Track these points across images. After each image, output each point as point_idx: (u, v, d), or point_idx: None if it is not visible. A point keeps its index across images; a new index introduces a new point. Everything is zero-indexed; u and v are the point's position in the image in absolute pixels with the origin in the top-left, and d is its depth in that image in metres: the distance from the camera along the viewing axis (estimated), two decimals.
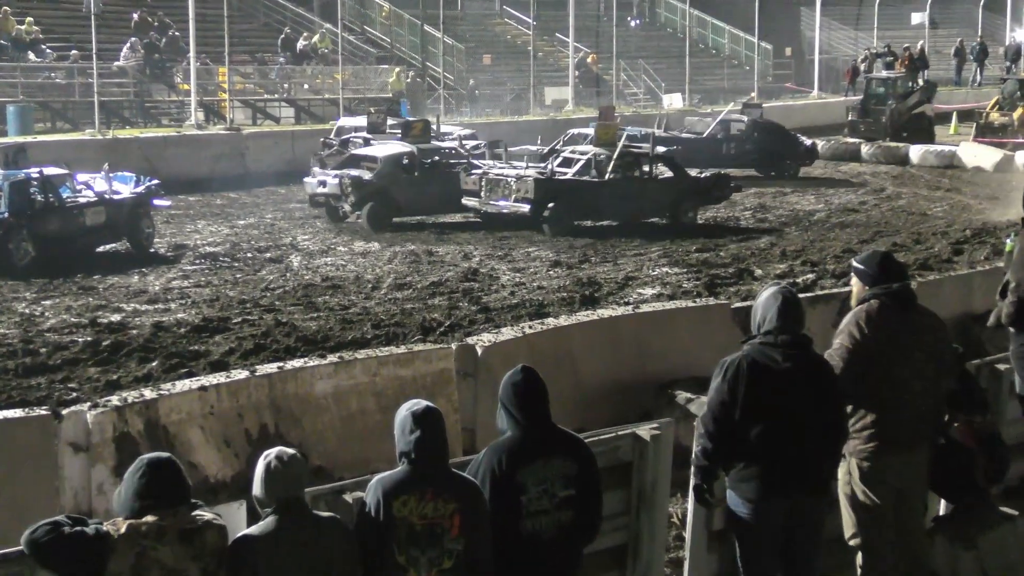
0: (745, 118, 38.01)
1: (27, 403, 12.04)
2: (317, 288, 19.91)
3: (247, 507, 5.88)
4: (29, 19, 43.24)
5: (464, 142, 31.74)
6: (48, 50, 43.11)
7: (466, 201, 26.66)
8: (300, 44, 50.11)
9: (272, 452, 5.65)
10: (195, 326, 16.72)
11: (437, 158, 28.20)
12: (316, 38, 50.94)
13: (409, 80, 49.57)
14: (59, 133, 38.62)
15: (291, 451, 5.71)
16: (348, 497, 5.97)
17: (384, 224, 26.44)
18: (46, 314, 17.82)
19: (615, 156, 26.76)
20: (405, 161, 27.59)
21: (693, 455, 6.95)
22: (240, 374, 9.31)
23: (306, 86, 48.88)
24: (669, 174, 27.80)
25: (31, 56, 42.43)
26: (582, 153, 27.69)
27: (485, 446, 6.31)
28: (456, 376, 10.08)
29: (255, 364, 11.56)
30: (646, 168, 27.55)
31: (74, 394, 13.09)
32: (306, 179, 28.28)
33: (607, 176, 26.57)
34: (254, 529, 5.53)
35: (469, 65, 54.92)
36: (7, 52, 41.98)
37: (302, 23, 52.72)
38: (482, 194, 26.28)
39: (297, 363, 9.88)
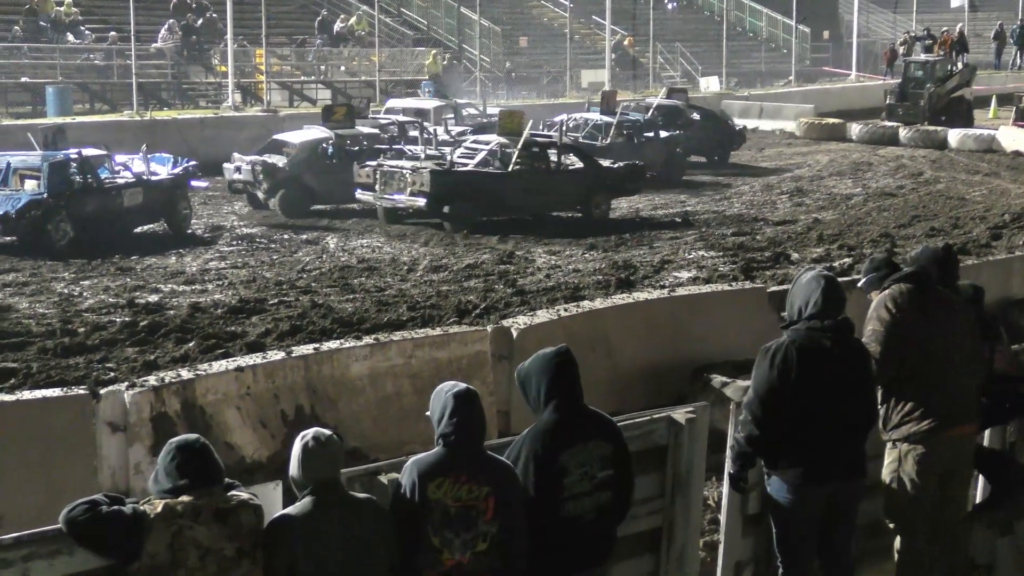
0: (680, 103, 37.55)
1: (65, 383, 12.11)
2: (353, 270, 19.95)
3: (283, 488, 5.90)
4: (68, 0, 43.40)
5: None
6: (87, 31, 43.29)
7: (360, 195, 24.94)
8: (337, 26, 50.14)
9: (309, 433, 5.67)
10: (232, 307, 16.77)
11: (358, 147, 27.33)
12: (353, 20, 50.97)
13: (445, 62, 49.55)
14: (98, 114, 38.77)
15: (328, 432, 5.72)
16: (383, 479, 5.97)
17: (298, 211, 25.69)
18: (84, 294, 17.92)
19: (519, 146, 25.08)
20: (322, 147, 27.05)
21: (734, 440, 6.92)
22: (276, 355, 9.34)
23: (342, 68, 48.92)
24: (579, 165, 26.24)
25: (70, 38, 42.61)
26: (484, 143, 26.09)
27: (520, 428, 6.31)
28: (491, 358, 10.08)
29: (291, 345, 11.59)
30: (554, 159, 25.93)
31: (112, 374, 13.15)
32: (225, 164, 27.07)
33: (511, 168, 24.97)
34: (291, 510, 5.54)
35: (506, 48, 54.84)
36: (46, 34, 42.18)
37: (339, 5, 52.75)
38: (377, 187, 24.50)
39: (333, 345, 9.90)
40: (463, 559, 5.73)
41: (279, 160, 26.36)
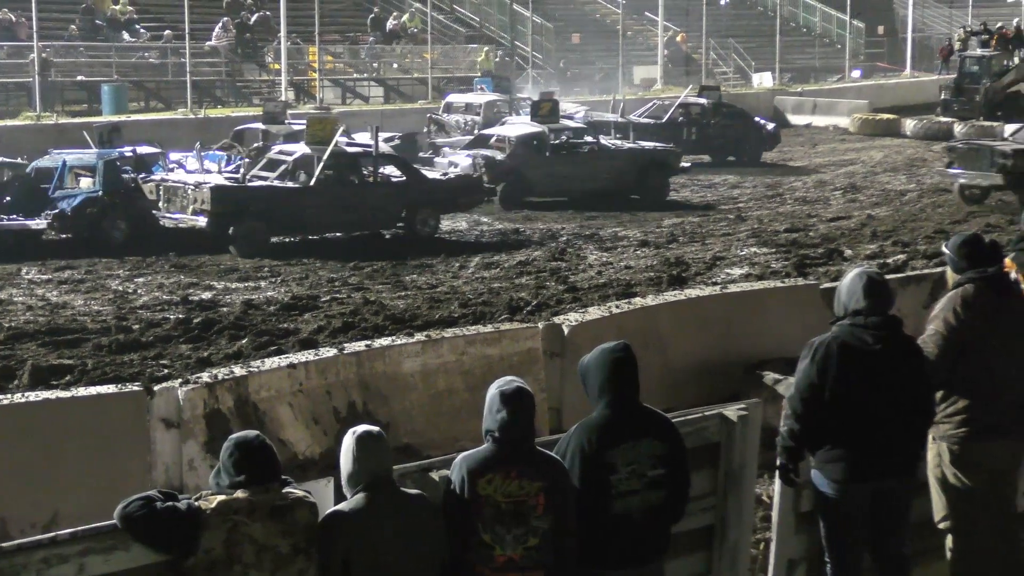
0: (704, 101, 37.24)
1: (120, 379, 12.20)
2: (406, 267, 20.00)
3: (335, 484, 5.93)
4: None
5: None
6: (142, 30, 43.63)
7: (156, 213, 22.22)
8: (390, 23, 50.29)
9: (360, 429, 5.69)
10: (284, 304, 16.87)
11: (565, 137, 28.24)
12: (406, 17, 51.10)
13: (498, 59, 49.57)
14: (152, 112, 39.08)
15: (376, 429, 5.74)
16: (435, 475, 5.99)
17: (516, 203, 26.59)
18: (139, 291, 18.07)
19: (324, 157, 22.18)
20: (537, 141, 27.75)
21: (779, 435, 6.91)
22: (328, 352, 9.35)
23: (395, 65, 49.06)
24: (402, 178, 23.58)
25: (125, 36, 42.97)
26: (288, 154, 23.13)
27: (571, 425, 6.30)
28: (543, 355, 10.07)
29: (343, 342, 11.63)
30: (369, 171, 23.26)
31: (166, 371, 13.26)
32: (436, 159, 28.08)
33: (313, 181, 22.14)
34: (344, 506, 5.57)
35: (558, 44, 54.81)
36: (102, 32, 42.55)
37: (392, 2, 52.92)
38: (160, 204, 22.01)
39: (385, 341, 9.90)
40: (514, 555, 5.73)
41: (498, 154, 27.10)
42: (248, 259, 20.59)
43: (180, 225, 21.56)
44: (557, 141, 28.13)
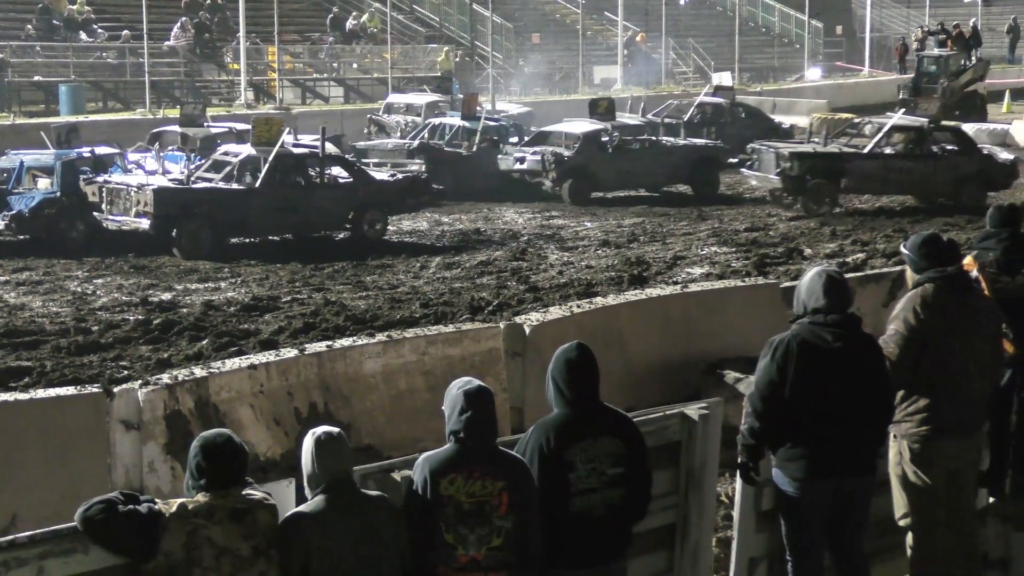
0: (722, 101, 37.61)
1: (80, 381, 12.15)
2: (366, 267, 19.97)
3: (296, 485, 5.91)
4: None
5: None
6: (100, 30, 43.41)
7: (98, 216, 21.92)
8: (349, 23, 50.22)
9: (319, 430, 5.67)
10: (245, 305, 16.81)
11: (619, 135, 29.41)
12: (365, 17, 51.04)
13: (458, 59, 49.57)
14: (110, 112, 38.90)
15: (336, 430, 5.73)
16: (396, 476, 5.98)
17: (584, 198, 27.64)
18: (98, 293, 17.98)
19: (270, 158, 21.94)
20: (601, 138, 28.89)
21: (740, 434, 6.94)
22: (289, 353, 9.33)
23: (355, 65, 48.99)
24: (349, 179, 23.37)
25: (83, 36, 42.73)
26: (234, 155, 22.91)
27: (533, 425, 6.31)
28: (504, 355, 10.08)
29: (304, 343, 11.61)
30: (315, 172, 22.98)
31: (125, 372, 13.21)
32: (499, 156, 29.04)
33: (257, 183, 21.90)
34: (305, 507, 5.55)
35: (518, 44, 54.85)
36: (59, 32, 42.32)
37: (351, 2, 52.85)
38: (103, 206, 21.67)
39: (346, 342, 9.90)
40: (477, 555, 5.74)
41: (565, 151, 28.07)
42: (193, 261, 20.43)
43: (123, 227, 21.34)
44: (613, 138, 29.28)
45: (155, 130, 28.87)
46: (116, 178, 22.28)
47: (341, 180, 23.30)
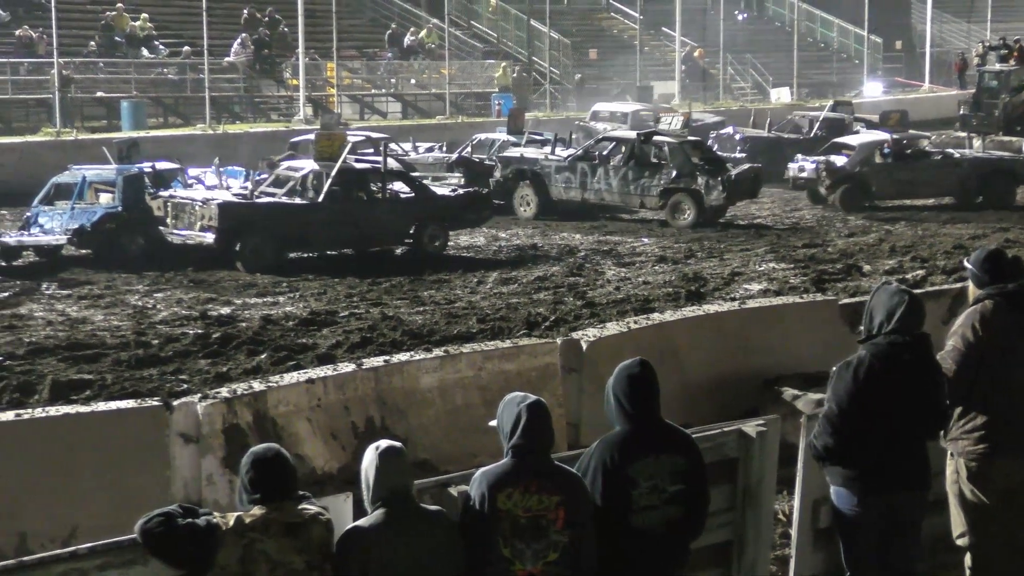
0: (844, 116, 37.73)
1: (139, 394, 12.24)
2: (423, 282, 20.02)
3: (354, 499, 5.93)
4: (144, 16, 43.94)
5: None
6: (161, 46, 43.81)
7: (162, 230, 22.03)
8: (407, 39, 50.39)
9: (382, 444, 5.68)
10: (303, 319, 16.88)
11: (912, 148, 30.08)
12: (423, 33, 51.22)
13: (515, 75, 49.64)
14: (171, 128, 39.22)
15: (398, 444, 5.74)
16: (453, 490, 5.99)
17: (856, 206, 28.34)
18: (158, 307, 18.11)
19: (332, 173, 22.19)
20: (880, 149, 29.51)
21: (813, 450, 6.85)
22: (347, 367, 9.37)
23: (412, 81, 49.15)
24: (410, 194, 23.42)
25: (145, 53, 43.14)
26: (296, 171, 23.25)
27: (589, 441, 6.30)
28: (561, 371, 10.07)
29: (361, 357, 11.64)
30: (377, 187, 23.20)
31: (185, 386, 13.28)
32: (789, 164, 30.45)
33: (320, 198, 22.14)
34: (363, 522, 5.57)
35: (575, 60, 54.85)
36: (121, 48, 42.73)
37: (409, 18, 53.02)
38: (168, 221, 21.80)
39: (403, 357, 9.92)
40: (534, 569, 5.72)
41: (840, 159, 29.03)
42: (254, 274, 20.59)
43: (188, 242, 21.54)
44: (896, 150, 29.75)
45: (293, 139, 29.95)
46: (181, 193, 22.45)
47: (402, 195, 23.39)
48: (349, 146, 23.51)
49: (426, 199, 23.41)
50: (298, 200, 22.31)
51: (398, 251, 23.35)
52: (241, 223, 21.40)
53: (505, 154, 29.47)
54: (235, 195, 22.49)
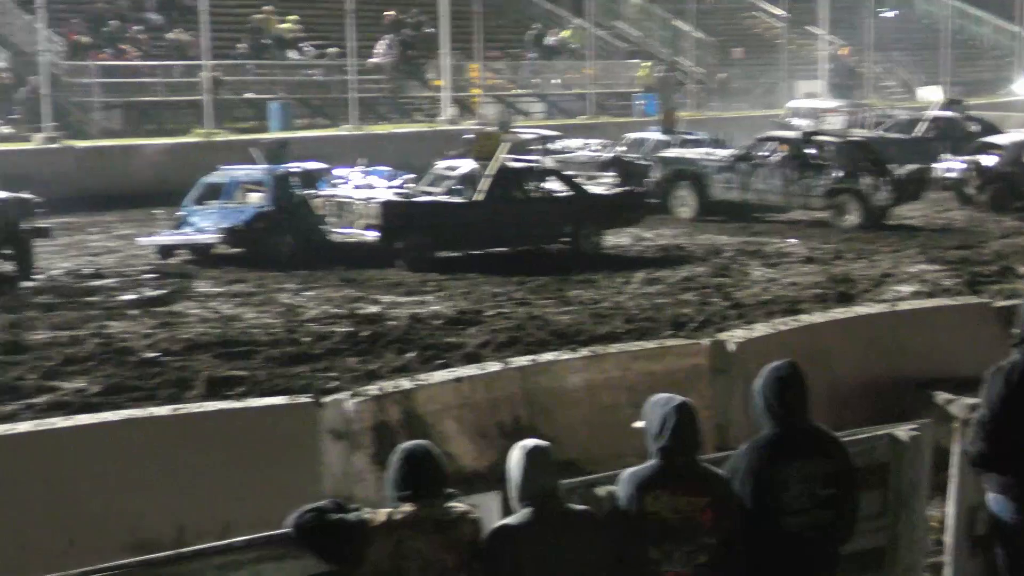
0: (955, 115, 36.81)
1: (290, 391, 12.42)
2: (569, 282, 20.04)
3: (502, 498, 5.95)
4: (292, 18, 44.60)
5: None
6: (308, 48, 44.42)
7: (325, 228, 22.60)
8: (550, 40, 50.46)
9: (529, 443, 5.69)
10: (450, 318, 17.01)
11: None
12: (566, 33, 51.24)
13: (659, 74, 49.44)
14: (317, 129, 39.73)
15: (545, 443, 5.74)
16: (600, 491, 5.98)
17: (1006, 206, 27.90)
18: (308, 305, 18.36)
19: (489, 173, 22.39)
20: None
21: (969, 457, 6.72)
22: (494, 366, 9.41)
23: (555, 81, 49.20)
24: (566, 193, 23.63)
25: (292, 54, 43.79)
26: (455, 169, 23.50)
27: (737, 443, 6.26)
28: (708, 372, 10.01)
29: (508, 357, 11.69)
30: (534, 186, 23.57)
31: (334, 383, 13.45)
32: (934, 164, 29.56)
33: (478, 196, 22.37)
34: (511, 520, 5.57)
35: (719, 59, 54.46)
36: (269, 50, 43.42)
37: (552, 18, 53.09)
38: (330, 219, 22.42)
39: (550, 356, 9.93)
40: (684, 571, 5.70)
41: (990, 160, 28.78)
42: (415, 273, 20.81)
43: (350, 240, 21.87)
44: None
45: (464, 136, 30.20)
46: (343, 191, 22.88)
47: (559, 194, 23.52)
48: (508, 145, 23.63)
49: (583, 198, 23.53)
50: (457, 199, 22.49)
51: (548, 248, 23.38)
52: (402, 222, 21.68)
53: (664, 154, 29.33)
54: (396, 194, 22.76)
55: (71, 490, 6.98)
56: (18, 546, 6.58)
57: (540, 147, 30.77)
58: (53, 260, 22.24)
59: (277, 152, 24.90)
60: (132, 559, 5.36)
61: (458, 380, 8.94)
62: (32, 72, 36.54)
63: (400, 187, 23.74)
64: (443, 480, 5.57)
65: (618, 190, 24.97)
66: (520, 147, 27.87)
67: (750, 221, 27.36)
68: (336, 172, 25.37)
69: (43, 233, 21.09)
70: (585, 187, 24.23)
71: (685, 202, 28.16)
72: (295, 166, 23.90)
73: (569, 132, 37.45)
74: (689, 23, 51.46)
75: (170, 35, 42.25)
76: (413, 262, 21.34)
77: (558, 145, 32.31)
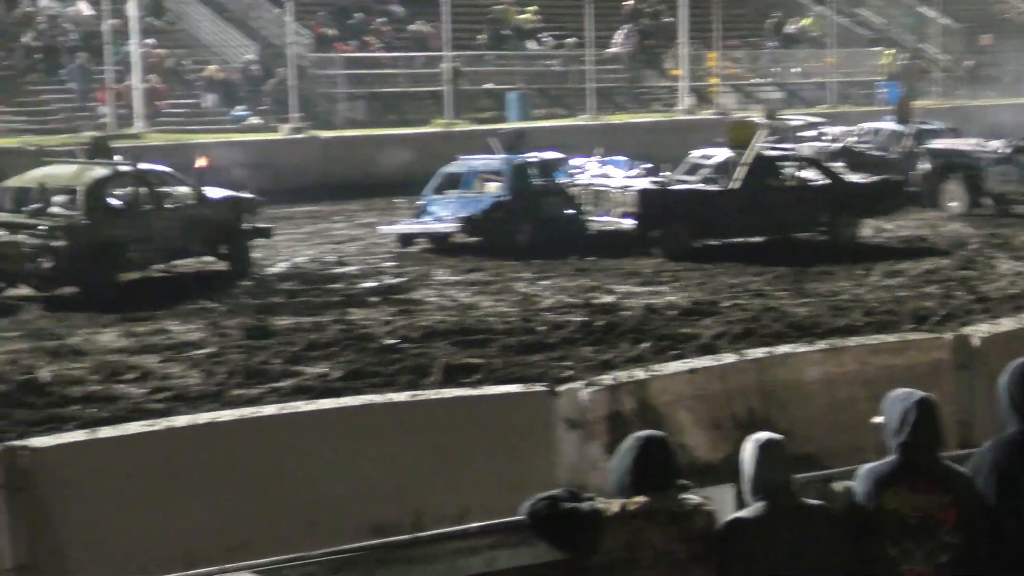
0: None
1: (525, 379, 12.53)
2: (807, 274, 19.76)
3: (736, 491, 5.91)
4: (531, 8, 44.94)
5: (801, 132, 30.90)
6: (547, 38, 44.69)
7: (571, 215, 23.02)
8: (790, 27, 49.76)
9: (762, 435, 5.64)
10: (685, 309, 16.95)
11: None
12: (806, 21, 50.45)
13: (902, 62, 48.30)
14: (555, 119, 39.94)
15: (779, 436, 5.69)
16: (837, 486, 5.90)
17: None
18: (543, 294, 18.51)
19: (746, 160, 22.25)
20: None
21: None
22: (729, 358, 9.36)
23: (795, 70, 48.47)
24: (822, 181, 23.38)
25: (530, 45, 44.13)
26: (710, 157, 23.42)
27: (981, 440, 6.09)
28: (951, 367, 9.77)
29: (743, 348, 11.60)
30: (790, 174, 23.35)
31: (569, 372, 13.53)
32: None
33: (734, 184, 22.27)
34: (745, 513, 5.53)
35: (967, 45, 52.87)
36: (508, 41, 43.83)
37: (793, 7, 52.32)
38: (587, 207, 22.66)
39: (786, 348, 9.84)
40: (925, 570, 5.57)
41: None
42: (674, 262, 20.91)
43: (606, 227, 22.10)
44: None
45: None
46: (600, 180, 23.11)
47: (814, 182, 23.28)
48: (764, 133, 23.56)
49: (840, 186, 23.23)
50: (713, 187, 22.45)
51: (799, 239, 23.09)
52: (659, 210, 21.88)
53: (934, 145, 28.17)
54: (652, 182, 22.85)
55: (312, 473, 7.18)
56: (260, 526, 6.80)
57: (812, 133, 30.21)
58: (298, 248, 22.89)
59: (515, 142, 25.12)
60: (371, 542, 5.49)
61: (692, 371, 8.91)
62: (280, 64, 37.66)
63: (656, 176, 23.81)
64: (676, 471, 5.56)
65: (876, 179, 24.45)
66: (788, 133, 27.41)
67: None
68: (573, 162, 25.48)
69: (263, 233, 21.51)
70: (842, 176, 23.89)
71: (955, 195, 27.09)
72: (533, 156, 24.08)
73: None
74: (935, 9, 50.07)
75: (412, 27, 42.99)
76: (669, 250, 21.36)
77: (809, 133, 31.54)
